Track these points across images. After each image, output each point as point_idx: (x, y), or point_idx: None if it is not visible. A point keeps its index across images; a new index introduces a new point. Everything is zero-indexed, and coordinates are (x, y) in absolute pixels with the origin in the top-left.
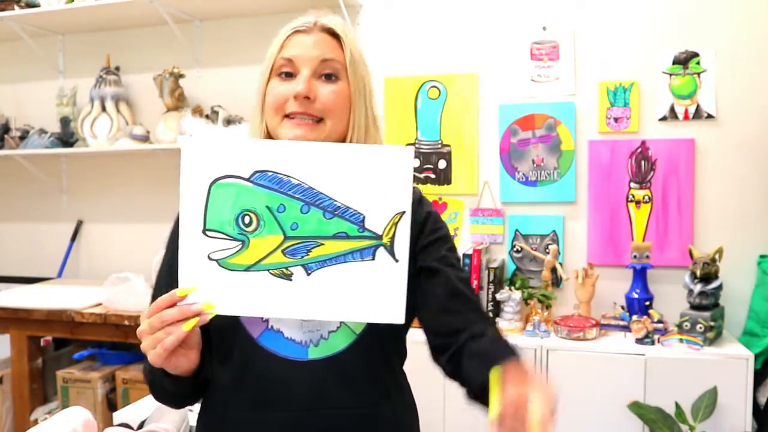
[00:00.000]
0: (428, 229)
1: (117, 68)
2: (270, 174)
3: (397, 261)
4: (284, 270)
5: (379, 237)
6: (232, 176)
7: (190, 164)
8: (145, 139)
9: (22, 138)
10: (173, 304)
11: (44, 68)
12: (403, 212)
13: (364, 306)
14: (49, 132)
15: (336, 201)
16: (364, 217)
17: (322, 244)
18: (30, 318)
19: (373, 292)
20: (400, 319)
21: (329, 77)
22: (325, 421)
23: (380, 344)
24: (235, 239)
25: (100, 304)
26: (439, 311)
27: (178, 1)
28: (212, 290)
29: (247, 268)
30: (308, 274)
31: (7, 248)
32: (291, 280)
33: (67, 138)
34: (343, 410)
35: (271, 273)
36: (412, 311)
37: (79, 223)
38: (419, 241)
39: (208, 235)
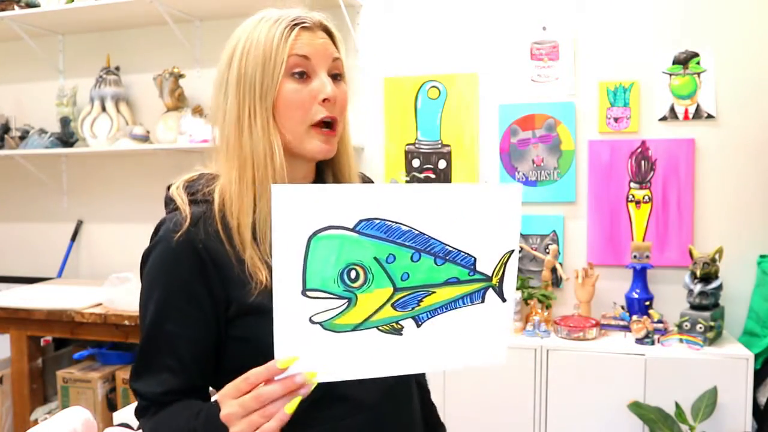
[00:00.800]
0: None
1: (117, 68)
2: (377, 222)
3: (504, 301)
4: (394, 324)
5: (489, 278)
6: (334, 227)
7: (285, 215)
8: (145, 139)
9: (22, 138)
10: (270, 377)
11: (44, 68)
12: (512, 251)
13: (471, 351)
14: (49, 132)
15: (447, 245)
16: (475, 260)
17: (434, 293)
18: (30, 318)
19: (482, 335)
20: (502, 360)
21: (336, 77)
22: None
23: None
24: (340, 297)
25: (100, 304)
26: None
27: (178, 1)
28: (315, 356)
29: (355, 328)
30: (419, 326)
31: (7, 248)
32: (401, 334)
33: (67, 138)
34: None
35: (380, 329)
36: None
37: (79, 223)
38: None
39: (308, 296)
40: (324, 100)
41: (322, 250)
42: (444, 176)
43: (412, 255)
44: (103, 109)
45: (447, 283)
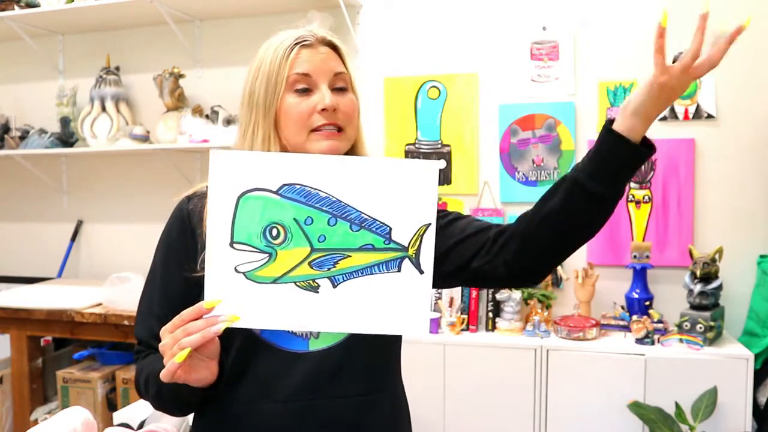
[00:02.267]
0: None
1: (117, 68)
2: (298, 187)
3: (422, 273)
4: (311, 282)
5: (405, 249)
6: (260, 189)
7: (219, 177)
8: (145, 139)
9: (22, 138)
10: (199, 317)
11: (44, 68)
12: (429, 224)
13: (389, 318)
14: (49, 132)
15: (363, 213)
16: (390, 229)
17: (349, 256)
18: (30, 318)
19: (399, 304)
20: (424, 331)
21: (341, 90)
22: (325, 410)
23: (379, 334)
24: (262, 251)
25: (100, 304)
26: (468, 241)
27: (178, 1)
28: (239, 302)
29: (274, 281)
30: (335, 286)
31: (7, 248)
32: (318, 292)
33: (67, 138)
34: (342, 399)
35: (297, 285)
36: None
37: (79, 223)
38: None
39: (235, 248)
40: (322, 110)
41: (248, 209)
42: (444, 176)
43: (329, 219)
44: (103, 109)
45: (362, 249)
